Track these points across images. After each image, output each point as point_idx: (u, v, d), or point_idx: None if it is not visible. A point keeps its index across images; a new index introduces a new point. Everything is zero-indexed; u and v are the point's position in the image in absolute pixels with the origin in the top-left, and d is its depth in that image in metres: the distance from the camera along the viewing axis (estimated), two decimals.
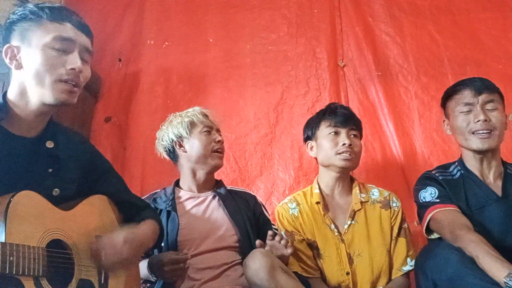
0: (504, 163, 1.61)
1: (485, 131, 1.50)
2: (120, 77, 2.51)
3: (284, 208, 1.76)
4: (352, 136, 1.72)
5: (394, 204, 1.73)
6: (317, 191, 1.75)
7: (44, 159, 1.17)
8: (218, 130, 1.78)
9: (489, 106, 1.54)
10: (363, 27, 2.40)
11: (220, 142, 1.74)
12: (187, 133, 1.73)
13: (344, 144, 1.68)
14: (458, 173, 1.60)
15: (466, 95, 1.56)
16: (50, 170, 1.18)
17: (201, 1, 2.57)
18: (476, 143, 1.52)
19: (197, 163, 1.73)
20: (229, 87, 2.41)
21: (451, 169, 1.63)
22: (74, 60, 1.13)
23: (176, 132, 1.75)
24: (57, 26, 1.13)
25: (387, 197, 1.75)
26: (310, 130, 1.82)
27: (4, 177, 1.07)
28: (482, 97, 1.54)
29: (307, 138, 1.84)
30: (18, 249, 0.94)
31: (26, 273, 0.95)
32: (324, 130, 1.75)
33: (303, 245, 1.68)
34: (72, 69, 1.12)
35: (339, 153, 1.68)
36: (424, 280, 1.38)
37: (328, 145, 1.71)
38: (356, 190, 1.75)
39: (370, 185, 1.81)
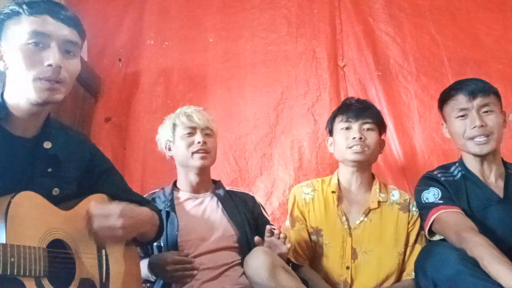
0: (504, 163, 1.60)
1: (482, 137, 1.49)
2: (120, 77, 2.51)
3: (299, 190, 1.79)
4: (365, 129, 1.70)
5: (414, 209, 1.69)
6: (335, 181, 1.76)
7: (42, 159, 1.16)
8: (205, 129, 1.71)
9: (484, 109, 1.51)
10: (363, 27, 2.39)
11: (201, 143, 1.67)
12: (171, 136, 1.73)
13: (354, 138, 1.67)
14: (459, 174, 1.59)
15: (461, 100, 1.54)
16: (49, 170, 1.17)
17: (201, 1, 2.57)
18: (473, 148, 1.52)
19: (183, 166, 1.73)
20: (229, 87, 2.41)
21: (452, 170, 1.62)
22: (50, 56, 1.08)
23: (165, 136, 1.76)
24: (34, 20, 1.08)
25: (407, 200, 1.72)
26: (328, 127, 1.83)
27: (3, 177, 1.07)
28: (477, 101, 1.51)
29: (329, 135, 1.84)
30: (19, 250, 0.94)
31: (27, 274, 0.95)
32: (338, 126, 1.75)
33: (302, 233, 1.70)
34: (49, 65, 1.07)
35: (350, 147, 1.67)
36: (424, 279, 1.37)
37: (341, 140, 1.71)
38: (376, 188, 1.73)
39: (392, 186, 1.80)
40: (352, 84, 2.34)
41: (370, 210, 1.69)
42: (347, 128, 1.71)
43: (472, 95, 1.52)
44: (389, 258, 1.63)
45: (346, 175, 1.75)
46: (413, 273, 1.59)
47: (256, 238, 1.46)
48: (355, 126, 1.70)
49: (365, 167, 1.74)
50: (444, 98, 1.62)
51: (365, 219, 1.68)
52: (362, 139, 1.66)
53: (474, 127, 1.49)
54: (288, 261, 1.54)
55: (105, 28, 2.54)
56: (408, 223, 1.68)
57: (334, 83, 2.34)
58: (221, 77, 2.43)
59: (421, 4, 2.38)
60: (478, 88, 1.53)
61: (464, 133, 1.52)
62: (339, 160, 1.77)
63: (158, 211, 1.44)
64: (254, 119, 2.34)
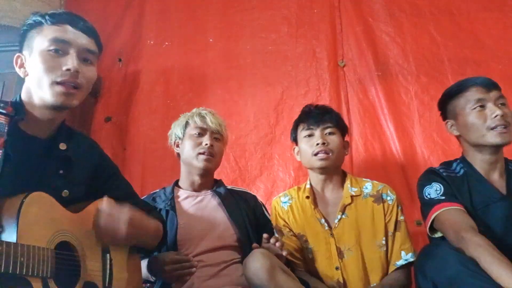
0: (505, 160, 1.59)
1: (503, 126, 1.48)
2: (120, 77, 2.51)
3: (277, 201, 1.81)
4: (327, 134, 1.73)
5: (389, 198, 1.70)
6: (308, 186, 1.78)
7: (56, 160, 1.19)
8: (215, 133, 1.74)
9: (500, 101, 1.52)
10: (363, 27, 2.40)
11: (208, 145, 1.69)
12: (181, 133, 1.75)
13: (318, 144, 1.69)
14: (462, 171, 1.58)
15: (476, 91, 1.53)
16: (60, 172, 1.19)
17: (201, 1, 2.57)
18: (495, 138, 1.49)
19: (186, 165, 1.74)
20: (229, 87, 2.42)
21: (454, 167, 1.61)
22: (69, 61, 1.13)
23: (175, 132, 1.78)
24: (55, 29, 1.16)
25: (380, 191, 1.72)
26: (292, 136, 1.86)
27: (16, 176, 1.08)
28: (494, 93, 1.52)
29: (294, 144, 1.86)
30: (29, 250, 0.95)
31: (35, 274, 0.96)
32: (301, 134, 1.78)
33: (292, 239, 1.70)
34: (67, 69, 1.12)
35: (315, 154, 1.69)
36: (424, 280, 1.37)
37: (306, 147, 1.74)
38: (347, 184, 1.74)
39: (364, 179, 1.79)
40: (352, 84, 2.34)
41: (345, 206, 1.70)
42: (310, 135, 1.74)
43: (488, 87, 1.52)
44: (370, 252, 1.63)
45: (317, 181, 1.77)
46: (396, 263, 1.62)
47: (254, 246, 1.46)
48: (317, 132, 1.73)
49: (333, 171, 1.76)
50: (456, 92, 1.60)
51: (343, 216, 1.68)
52: (325, 144, 1.69)
53: (496, 116, 1.48)
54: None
55: (105, 28, 2.54)
56: (385, 214, 1.68)
57: (334, 83, 2.34)
58: (221, 77, 2.44)
59: (421, 4, 2.38)
60: (491, 82, 1.54)
61: (484, 123, 1.50)
62: (307, 168, 1.79)
63: (163, 220, 1.45)
64: (254, 119, 2.35)
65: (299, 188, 1.82)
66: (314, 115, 1.76)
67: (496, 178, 1.55)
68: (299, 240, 1.70)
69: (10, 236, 0.94)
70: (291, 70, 2.40)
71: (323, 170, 1.72)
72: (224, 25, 2.51)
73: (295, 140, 1.84)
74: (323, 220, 1.69)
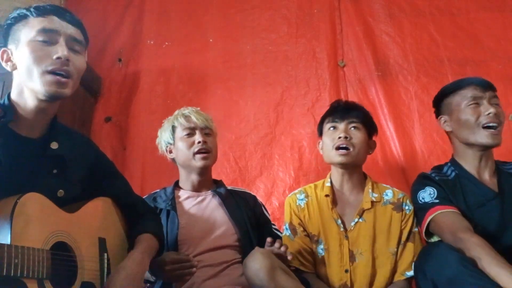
0: (495, 161, 1.62)
1: (495, 124, 1.51)
2: (120, 77, 2.51)
3: (293, 198, 1.78)
4: (351, 128, 1.69)
5: (407, 207, 1.67)
6: (328, 184, 1.75)
7: (48, 160, 1.18)
8: (204, 129, 1.73)
9: (494, 101, 1.56)
10: (363, 27, 2.40)
11: (201, 142, 1.67)
12: (171, 138, 1.74)
13: (340, 137, 1.66)
14: (453, 174, 1.60)
15: (473, 89, 1.56)
16: (54, 171, 1.18)
17: (201, 1, 2.58)
18: (485, 138, 1.52)
19: (184, 167, 1.74)
20: (229, 87, 2.42)
21: (445, 170, 1.63)
22: (59, 50, 1.12)
23: (164, 139, 1.78)
24: (42, 20, 1.14)
25: (401, 199, 1.69)
26: (318, 130, 1.83)
27: (9, 177, 1.07)
28: (489, 93, 1.56)
29: (320, 138, 1.83)
30: (23, 252, 0.94)
31: (30, 276, 0.95)
32: (325, 127, 1.75)
33: (305, 240, 1.68)
34: (58, 58, 1.11)
35: (336, 148, 1.66)
36: (424, 280, 1.37)
37: (328, 140, 1.71)
38: (368, 188, 1.72)
39: (385, 185, 1.77)
40: (352, 84, 2.34)
41: (363, 210, 1.67)
42: (334, 128, 1.71)
43: (484, 87, 1.56)
44: (382, 258, 1.62)
45: (337, 176, 1.75)
46: (407, 273, 1.59)
47: (256, 248, 1.45)
48: (341, 125, 1.69)
49: (354, 168, 1.72)
50: (453, 89, 1.63)
51: (360, 219, 1.66)
52: (348, 138, 1.66)
53: (489, 113, 1.51)
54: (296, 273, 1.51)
55: (105, 28, 2.55)
56: (401, 221, 1.66)
57: (334, 83, 2.34)
58: (221, 77, 2.44)
59: (421, 4, 2.39)
60: (487, 83, 1.58)
61: (477, 120, 1.53)
62: (328, 162, 1.77)
63: (157, 228, 1.39)
64: (254, 119, 2.35)
65: (315, 186, 1.78)
66: (341, 109, 1.73)
67: (488, 178, 1.57)
68: (311, 240, 1.69)
69: (3, 238, 0.93)
70: (291, 70, 2.40)
71: (343, 166, 1.69)
72: (224, 25, 2.51)
73: (320, 134, 1.80)
74: (339, 221, 1.67)
